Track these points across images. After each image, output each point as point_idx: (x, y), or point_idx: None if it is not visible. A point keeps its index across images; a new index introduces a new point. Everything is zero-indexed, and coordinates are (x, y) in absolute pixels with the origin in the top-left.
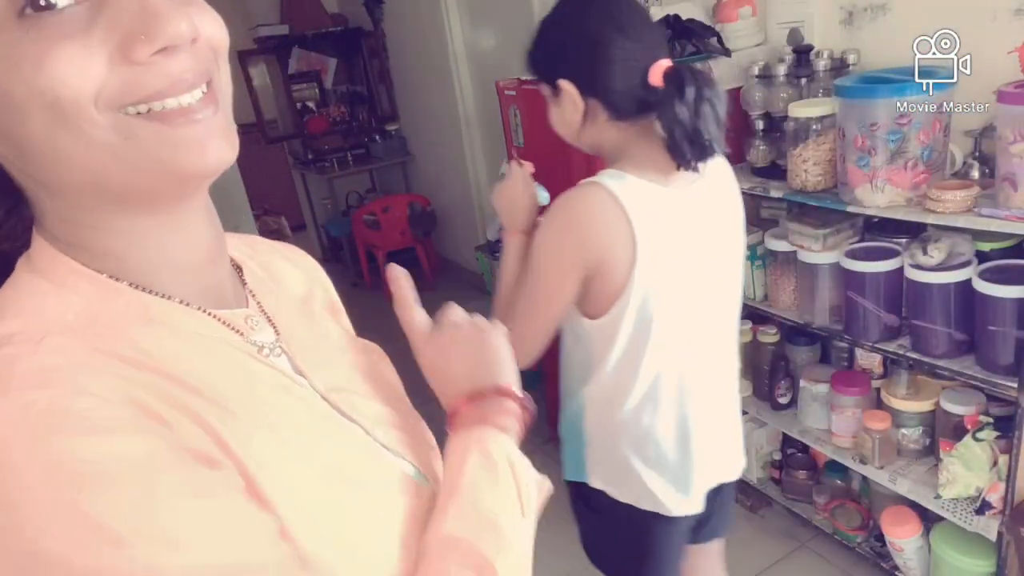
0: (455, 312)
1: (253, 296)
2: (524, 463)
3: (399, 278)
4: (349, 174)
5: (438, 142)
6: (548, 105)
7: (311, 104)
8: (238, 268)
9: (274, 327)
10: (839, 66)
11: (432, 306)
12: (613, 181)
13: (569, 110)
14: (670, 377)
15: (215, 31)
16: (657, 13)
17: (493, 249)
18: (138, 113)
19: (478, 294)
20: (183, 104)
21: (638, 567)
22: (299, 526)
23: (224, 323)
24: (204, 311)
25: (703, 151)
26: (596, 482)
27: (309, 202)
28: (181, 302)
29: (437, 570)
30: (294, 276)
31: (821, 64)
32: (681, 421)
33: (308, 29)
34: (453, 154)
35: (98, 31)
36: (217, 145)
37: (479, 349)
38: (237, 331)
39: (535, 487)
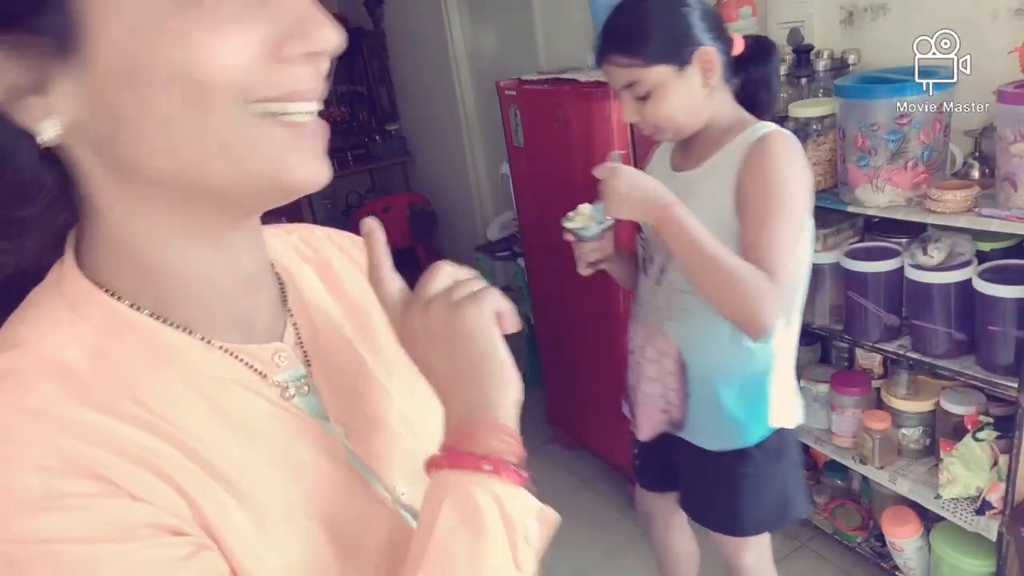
0: (436, 276)
1: (291, 317)
2: (521, 503)
3: (373, 232)
4: (349, 174)
5: (438, 142)
6: (655, 93)
7: None
8: (281, 283)
9: (307, 359)
10: (839, 66)
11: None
12: (781, 128)
13: (697, 82)
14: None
15: (343, 46)
16: None
17: (493, 249)
18: (266, 114)
19: None
20: (304, 116)
21: (798, 488)
22: None
23: (245, 364)
24: (225, 351)
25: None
26: (777, 422)
27: (309, 202)
28: (202, 338)
29: None
30: (353, 277)
31: (821, 64)
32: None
33: None
34: (453, 154)
35: (261, 22)
36: (325, 165)
37: (457, 344)
38: (259, 372)
39: (538, 525)
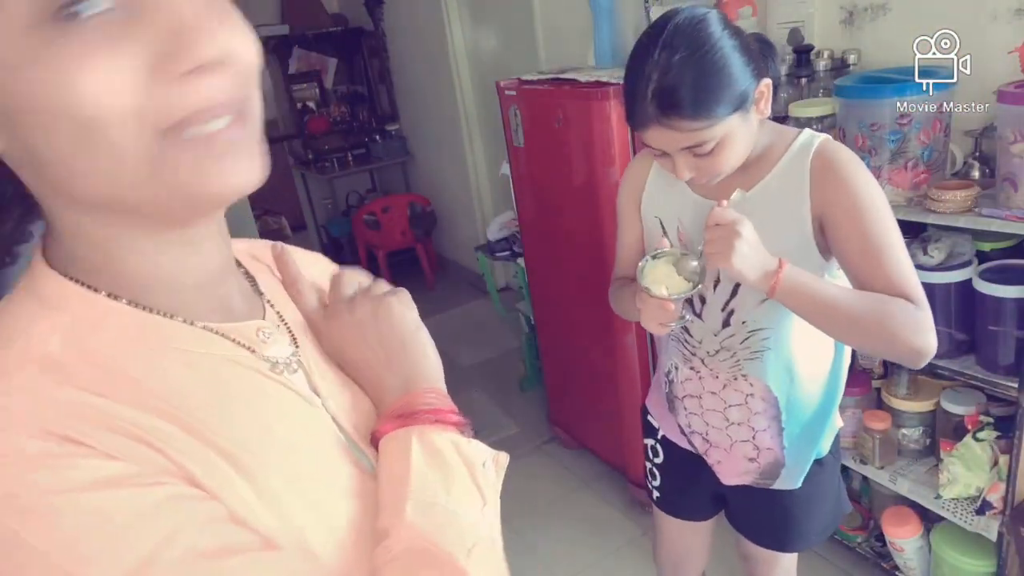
0: (346, 282)
1: (272, 306)
2: (474, 446)
3: (282, 254)
4: (349, 174)
5: (438, 142)
6: (722, 144)
7: (311, 104)
8: (251, 277)
9: (293, 338)
10: (839, 66)
11: (432, 306)
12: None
13: (755, 116)
14: None
15: (247, 51)
16: (657, 12)
17: (493, 249)
18: (169, 134)
19: (478, 294)
20: (211, 130)
21: (842, 483)
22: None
23: (231, 340)
24: (208, 329)
25: None
26: (839, 422)
27: (310, 202)
28: (184, 320)
29: None
30: (318, 275)
31: (821, 64)
32: None
33: (308, 29)
34: (453, 154)
35: (132, 44)
36: (247, 167)
37: (385, 329)
38: (247, 347)
39: (493, 469)
